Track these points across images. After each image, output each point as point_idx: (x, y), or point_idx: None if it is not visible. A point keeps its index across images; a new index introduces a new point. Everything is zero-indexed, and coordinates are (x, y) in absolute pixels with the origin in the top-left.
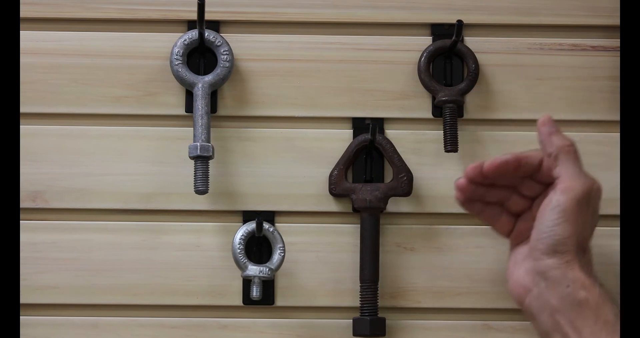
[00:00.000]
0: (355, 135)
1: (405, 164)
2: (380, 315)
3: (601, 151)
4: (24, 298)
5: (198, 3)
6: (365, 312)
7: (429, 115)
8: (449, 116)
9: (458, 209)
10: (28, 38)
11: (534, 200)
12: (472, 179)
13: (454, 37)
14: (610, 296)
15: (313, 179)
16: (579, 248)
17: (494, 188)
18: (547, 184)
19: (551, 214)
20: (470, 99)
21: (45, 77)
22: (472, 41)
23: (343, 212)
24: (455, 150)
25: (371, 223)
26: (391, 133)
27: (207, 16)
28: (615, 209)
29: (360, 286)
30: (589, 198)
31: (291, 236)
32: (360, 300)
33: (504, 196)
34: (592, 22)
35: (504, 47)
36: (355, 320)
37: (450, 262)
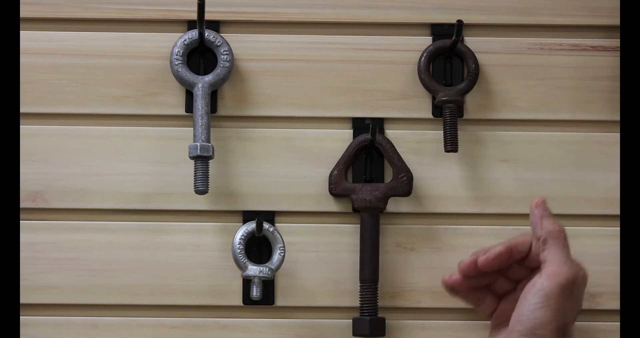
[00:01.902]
0: (355, 135)
1: (405, 164)
2: (380, 315)
3: (601, 151)
4: (24, 298)
5: (198, 3)
6: (365, 311)
7: (429, 115)
8: (449, 116)
9: (458, 209)
10: (28, 38)
11: (519, 283)
12: (467, 275)
13: (454, 37)
14: None
15: (313, 179)
16: (559, 333)
17: (482, 275)
18: (534, 268)
19: (533, 297)
20: (470, 99)
21: (45, 77)
22: (472, 41)
23: (343, 212)
24: (455, 150)
25: (371, 223)
26: (391, 133)
27: (207, 16)
28: (615, 210)
29: (360, 286)
30: (574, 285)
31: (291, 236)
32: (360, 300)
33: (490, 280)
34: (592, 22)
35: (504, 47)
36: (355, 320)
37: (450, 262)
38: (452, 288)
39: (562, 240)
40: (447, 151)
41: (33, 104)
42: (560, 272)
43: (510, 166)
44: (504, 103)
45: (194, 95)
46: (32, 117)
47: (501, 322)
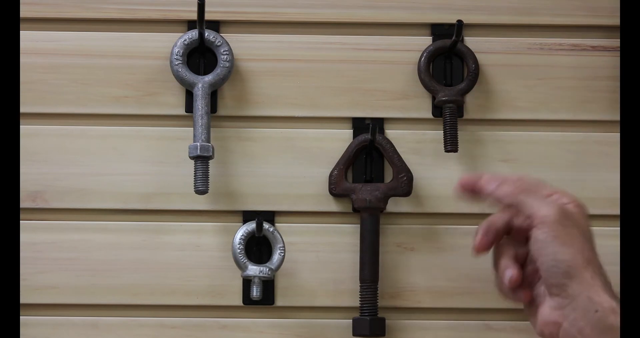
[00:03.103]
0: (355, 135)
1: (405, 164)
2: (380, 315)
3: (601, 151)
4: (24, 298)
5: (198, 3)
6: (365, 312)
7: (429, 115)
8: (449, 116)
9: (458, 209)
10: (28, 38)
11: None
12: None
13: (454, 37)
14: None
15: (313, 179)
16: (593, 268)
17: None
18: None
19: (543, 248)
20: (470, 99)
21: (45, 77)
22: (472, 41)
23: (343, 212)
24: (455, 150)
25: (371, 223)
26: (391, 133)
27: (207, 16)
28: (615, 210)
29: (360, 286)
30: (566, 217)
31: (291, 236)
32: (360, 300)
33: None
34: (592, 22)
35: (504, 47)
36: (355, 320)
37: (450, 262)
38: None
39: (525, 191)
40: (447, 151)
41: (33, 104)
42: (544, 213)
43: (510, 166)
44: (504, 103)
45: (194, 95)
46: (32, 117)
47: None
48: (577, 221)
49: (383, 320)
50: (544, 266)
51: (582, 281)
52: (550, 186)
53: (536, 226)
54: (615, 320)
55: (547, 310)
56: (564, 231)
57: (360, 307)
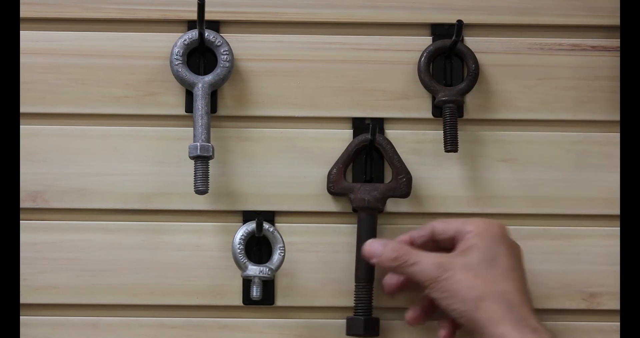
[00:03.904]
0: (355, 135)
1: (405, 166)
2: (375, 315)
3: (601, 151)
4: (24, 298)
5: (198, 3)
6: (360, 311)
7: (429, 115)
8: (449, 116)
9: (457, 209)
10: (28, 38)
11: None
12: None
13: (454, 37)
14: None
15: (313, 179)
16: (489, 303)
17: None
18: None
19: (442, 305)
20: (470, 99)
21: (45, 77)
22: (472, 41)
23: (343, 212)
24: (455, 150)
25: (368, 222)
26: (391, 133)
27: (207, 16)
28: (615, 210)
29: (355, 286)
30: (444, 270)
31: (291, 236)
32: (354, 300)
33: None
34: (592, 22)
35: (504, 47)
36: (349, 320)
37: None
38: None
39: (407, 265)
40: (447, 151)
41: (33, 104)
42: (421, 276)
43: (510, 166)
44: (504, 103)
45: (194, 95)
46: (32, 117)
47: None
48: (462, 265)
49: (377, 320)
50: (448, 313)
51: (484, 319)
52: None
53: (427, 289)
54: None
55: None
56: (443, 287)
57: (354, 306)
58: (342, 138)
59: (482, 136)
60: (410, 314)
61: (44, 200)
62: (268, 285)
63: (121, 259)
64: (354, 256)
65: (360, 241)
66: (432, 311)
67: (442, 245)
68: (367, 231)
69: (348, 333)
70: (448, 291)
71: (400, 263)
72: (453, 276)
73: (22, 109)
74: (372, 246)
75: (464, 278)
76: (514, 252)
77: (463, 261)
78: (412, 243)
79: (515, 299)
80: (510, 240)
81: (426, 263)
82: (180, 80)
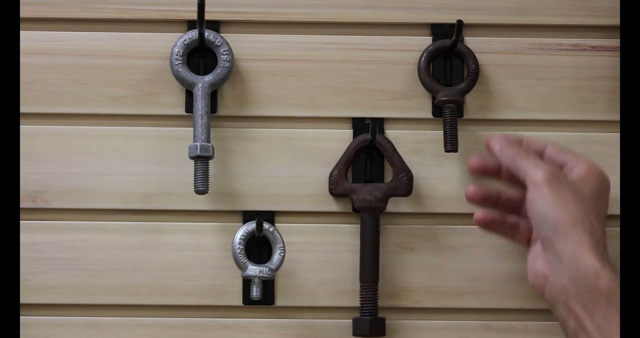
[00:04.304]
0: (355, 135)
1: (405, 164)
2: (380, 315)
3: (601, 151)
4: (24, 298)
5: (198, 3)
6: (365, 312)
7: (429, 115)
8: (449, 116)
9: (458, 209)
10: (28, 38)
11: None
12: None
13: (454, 37)
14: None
15: (313, 179)
16: (584, 229)
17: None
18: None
19: (532, 207)
20: (470, 99)
21: (45, 77)
22: (472, 41)
23: (343, 212)
24: (455, 150)
25: (371, 223)
26: (391, 133)
27: (207, 16)
28: (615, 210)
29: (360, 286)
30: (556, 179)
31: (291, 236)
32: (360, 300)
33: (513, 200)
34: (592, 22)
35: (504, 47)
36: (355, 320)
37: (450, 262)
38: (481, 204)
39: (523, 156)
40: (447, 151)
41: (33, 104)
42: (535, 173)
43: None
44: (504, 103)
45: (194, 95)
46: (32, 117)
47: (532, 240)
48: (572, 184)
49: (383, 320)
50: (534, 222)
51: (568, 239)
52: (561, 148)
53: (528, 188)
54: (596, 281)
55: (541, 262)
56: (552, 192)
57: (360, 307)
58: (342, 138)
59: (482, 136)
60: (481, 215)
61: (44, 200)
62: (268, 285)
63: (121, 259)
64: (355, 256)
65: (364, 242)
66: (501, 226)
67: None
68: (370, 231)
69: (354, 334)
70: (552, 200)
71: (519, 152)
72: (562, 190)
73: (22, 109)
74: (494, 137)
75: (570, 197)
76: (607, 204)
77: (574, 185)
78: (523, 145)
79: (602, 241)
80: (609, 196)
81: (544, 164)
82: (180, 80)
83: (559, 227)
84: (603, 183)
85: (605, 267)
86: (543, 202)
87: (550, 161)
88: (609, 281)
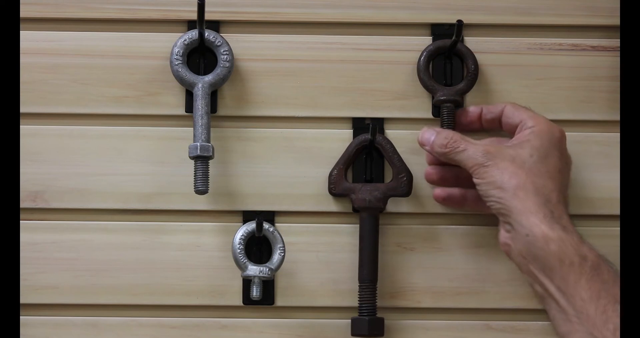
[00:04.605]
0: (355, 135)
1: (405, 165)
2: (379, 315)
3: (601, 151)
4: (24, 298)
5: (198, 3)
6: (364, 312)
7: (429, 115)
8: (447, 115)
9: (458, 209)
10: (28, 38)
11: None
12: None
13: (454, 37)
14: (579, 239)
15: (313, 179)
16: (531, 193)
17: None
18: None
19: (478, 187)
20: (470, 99)
21: (45, 77)
22: (472, 41)
23: (343, 212)
24: None
25: (370, 223)
26: (391, 133)
27: (207, 16)
28: (615, 210)
29: (359, 286)
30: (489, 154)
31: (291, 236)
32: (358, 300)
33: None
34: (592, 22)
35: (504, 47)
36: (353, 320)
37: (450, 262)
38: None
39: (452, 151)
40: None
41: (33, 104)
42: (468, 161)
43: None
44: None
45: (194, 95)
46: (32, 117)
47: None
48: (510, 151)
49: (382, 320)
50: (485, 201)
51: (513, 209)
52: (518, 107)
53: (472, 175)
54: (545, 245)
55: (502, 232)
56: (488, 171)
57: (359, 306)
58: (342, 138)
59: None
60: (439, 191)
61: (44, 200)
62: (268, 285)
63: (121, 259)
64: (354, 256)
65: (363, 242)
66: (463, 200)
67: (505, 128)
68: (369, 231)
69: (353, 334)
70: (490, 177)
71: (450, 149)
72: (498, 163)
73: (22, 109)
74: (425, 134)
75: (508, 166)
76: (565, 159)
77: (513, 152)
78: (481, 116)
79: (554, 197)
80: (565, 149)
81: (474, 150)
82: (180, 80)
83: (502, 199)
84: (550, 139)
85: (554, 229)
86: (483, 184)
87: (508, 122)
88: (558, 243)
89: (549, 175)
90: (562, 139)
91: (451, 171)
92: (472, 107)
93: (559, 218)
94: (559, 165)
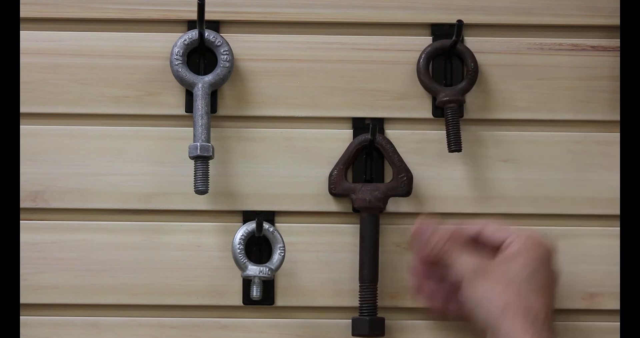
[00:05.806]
0: (355, 135)
1: (405, 165)
2: (380, 315)
3: (601, 151)
4: (24, 298)
5: (198, 3)
6: (364, 311)
7: (429, 115)
8: (451, 115)
9: (458, 209)
10: (28, 38)
11: None
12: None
13: (454, 37)
14: None
15: (313, 179)
16: (520, 311)
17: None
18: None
19: (465, 299)
20: (470, 99)
21: (45, 77)
22: (472, 41)
23: (343, 212)
24: (459, 150)
25: (371, 223)
26: (391, 133)
27: (207, 16)
28: (616, 210)
29: (360, 286)
30: (479, 271)
31: (291, 236)
32: (359, 300)
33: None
34: (592, 22)
35: (504, 47)
36: (354, 320)
37: None
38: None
39: (448, 252)
40: (450, 151)
41: (33, 104)
42: (457, 271)
43: (510, 166)
44: (504, 103)
45: (194, 95)
46: (32, 117)
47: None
48: (498, 268)
49: (382, 320)
50: (472, 314)
51: (501, 327)
52: (499, 226)
53: (459, 285)
54: None
55: None
56: (477, 288)
57: (359, 306)
58: (342, 138)
59: (482, 136)
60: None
61: (44, 200)
62: (268, 285)
63: (121, 259)
64: (354, 256)
65: (363, 242)
66: (447, 302)
67: (486, 244)
68: (369, 231)
69: (354, 334)
70: (477, 297)
71: (441, 257)
72: (485, 283)
73: (22, 109)
74: (421, 228)
75: (496, 283)
76: (552, 275)
77: (501, 269)
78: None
79: (541, 316)
80: (553, 265)
81: (464, 263)
82: (180, 80)
83: (490, 316)
84: (539, 255)
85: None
86: (470, 298)
87: (489, 241)
88: None
89: (535, 293)
90: (548, 255)
91: (437, 271)
92: (444, 228)
93: (548, 335)
94: (545, 281)
